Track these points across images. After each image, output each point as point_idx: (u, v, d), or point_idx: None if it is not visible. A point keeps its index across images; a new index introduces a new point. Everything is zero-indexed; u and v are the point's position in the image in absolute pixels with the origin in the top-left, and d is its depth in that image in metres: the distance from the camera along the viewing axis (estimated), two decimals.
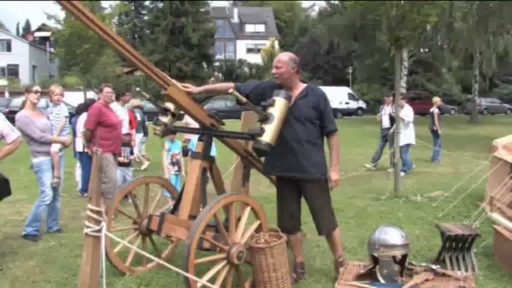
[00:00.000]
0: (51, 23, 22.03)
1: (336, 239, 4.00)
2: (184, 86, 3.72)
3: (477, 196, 6.62)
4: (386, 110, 10.49)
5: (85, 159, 7.21)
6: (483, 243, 4.66)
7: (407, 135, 9.62)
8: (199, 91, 3.77)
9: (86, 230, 3.27)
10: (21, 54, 42.99)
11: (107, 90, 6.21)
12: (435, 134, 11.93)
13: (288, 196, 3.91)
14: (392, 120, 10.17)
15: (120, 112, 7.27)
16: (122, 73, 40.72)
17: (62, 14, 20.32)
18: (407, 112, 9.63)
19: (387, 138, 10.32)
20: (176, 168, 6.51)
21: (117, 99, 7.47)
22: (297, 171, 3.77)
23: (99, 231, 3.27)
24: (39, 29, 48.40)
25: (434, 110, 11.97)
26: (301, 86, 3.87)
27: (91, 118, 6.03)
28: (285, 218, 3.93)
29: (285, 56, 3.83)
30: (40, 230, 5.31)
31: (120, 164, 6.73)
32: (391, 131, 9.74)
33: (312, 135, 3.78)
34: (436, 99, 12.22)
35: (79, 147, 7.56)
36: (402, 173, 9.64)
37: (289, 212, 3.92)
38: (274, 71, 3.81)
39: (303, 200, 3.96)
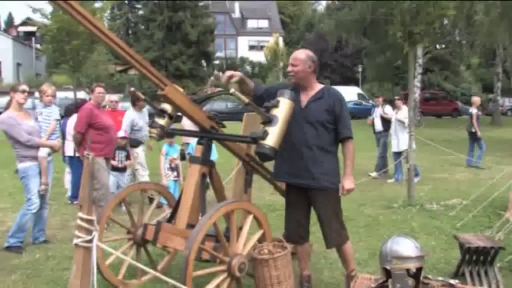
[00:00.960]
0: (37, 17, 22.12)
1: (347, 252, 3.99)
2: (230, 75, 3.69)
3: (499, 205, 6.60)
4: (377, 112, 10.45)
5: (75, 164, 7.24)
6: (509, 257, 4.61)
7: (408, 139, 9.61)
8: (239, 77, 3.75)
9: (75, 241, 3.28)
10: (3, 50, 42.80)
11: (99, 90, 6.24)
12: (473, 136, 11.85)
13: (295, 204, 3.93)
14: (385, 122, 10.15)
15: (135, 117, 7.21)
16: (115, 72, 40.83)
17: (48, 8, 20.38)
18: (407, 114, 9.61)
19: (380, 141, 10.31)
20: (175, 173, 6.52)
21: (134, 104, 7.32)
22: (305, 178, 3.78)
23: (90, 241, 3.27)
24: (23, 23, 48.36)
25: (473, 110, 11.89)
26: (317, 87, 3.89)
27: (81, 120, 6.06)
28: (291, 227, 3.95)
29: (302, 54, 3.85)
30: (25, 241, 5.30)
31: (114, 169, 6.75)
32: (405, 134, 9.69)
33: (324, 140, 3.78)
34: (476, 99, 12.17)
35: (69, 151, 7.59)
36: (403, 178, 9.66)
37: (296, 221, 3.93)
38: (289, 68, 3.84)
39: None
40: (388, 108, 10.24)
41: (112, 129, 6.33)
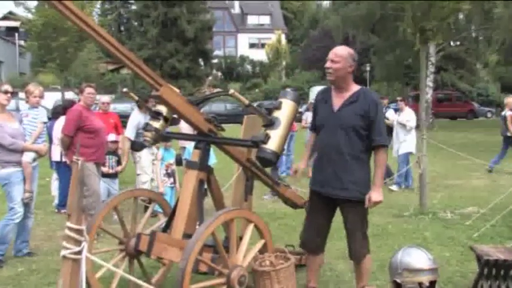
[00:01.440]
0: (20, 11, 22.07)
1: (364, 267, 4.00)
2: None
3: None
4: None
5: (63, 169, 7.24)
6: None
7: (407, 143, 9.55)
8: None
9: (63, 252, 3.28)
10: None
11: (89, 90, 6.23)
12: (509, 141, 11.80)
13: (319, 211, 3.99)
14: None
15: (141, 119, 7.13)
16: (106, 71, 40.93)
17: (32, 2, 20.39)
18: (409, 116, 9.57)
19: None
20: (171, 180, 6.53)
21: (139, 106, 7.21)
22: (335, 188, 3.83)
23: (79, 253, 3.28)
24: (4, 18, 48.25)
25: (507, 112, 11.84)
26: (353, 89, 3.88)
27: (70, 122, 6.06)
28: (310, 234, 4.01)
29: (343, 50, 3.85)
30: (6, 254, 5.25)
31: (104, 175, 6.75)
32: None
33: (357, 147, 3.79)
34: (510, 100, 12.10)
35: (56, 156, 7.60)
36: (395, 187, 9.61)
37: (316, 229, 4.00)
38: (328, 64, 3.83)
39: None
40: (390, 113, 10.17)
41: (103, 132, 6.34)
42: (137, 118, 7.23)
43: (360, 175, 3.81)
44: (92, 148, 6.03)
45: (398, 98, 10.39)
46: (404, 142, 9.52)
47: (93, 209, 5.60)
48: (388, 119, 10.09)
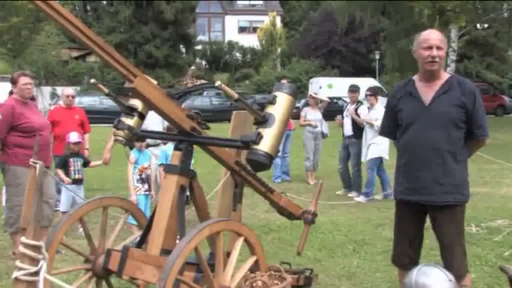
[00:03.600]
0: None
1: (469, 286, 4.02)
2: None
3: None
4: (350, 111, 10.09)
5: None
6: None
7: (377, 146, 9.38)
8: None
9: (16, 274, 3.26)
10: None
11: (24, 80, 5.92)
12: None
13: (409, 221, 4.07)
14: (356, 125, 9.83)
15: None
16: (69, 58, 40.71)
17: None
18: (378, 115, 8.64)
19: (349, 150, 10.06)
20: (146, 186, 6.53)
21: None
22: (428, 194, 3.89)
23: (36, 274, 3.26)
24: None
25: None
26: (444, 77, 3.97)
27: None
28: (402, 247, 4.11)
29: (440, 34, 3.97)
30: None
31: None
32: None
33: (457, 144, 3.88)
34: None
35: None
36: (362, 198, 9.58)
37: (408, 240, 4.09)
38: (434, 53, 3.85)
39: None
40: (363, 109, 9.85)
41: (45, 130, 6.11)
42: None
43: (461, 176, 3.94)
44: (28, 149, 5.64)
45: (368, 93, 9.98)
46: (373, 145, 9.40)
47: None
48: (357, 117, 9.81)
